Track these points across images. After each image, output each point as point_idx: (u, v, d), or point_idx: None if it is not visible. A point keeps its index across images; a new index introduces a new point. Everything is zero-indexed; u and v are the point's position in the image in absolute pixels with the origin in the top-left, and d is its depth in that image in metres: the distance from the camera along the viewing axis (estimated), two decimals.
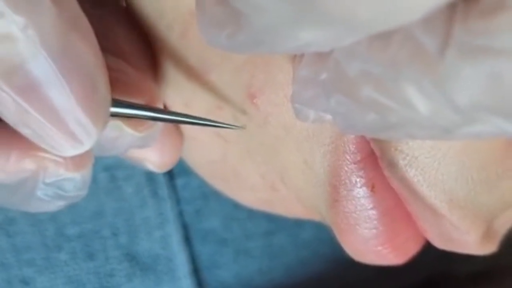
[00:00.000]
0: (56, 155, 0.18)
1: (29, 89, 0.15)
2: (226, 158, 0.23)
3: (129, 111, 0.18)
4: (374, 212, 0.20)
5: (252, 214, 0.31)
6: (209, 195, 0.30)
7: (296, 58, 0.18)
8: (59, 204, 0.19)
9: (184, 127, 0.23)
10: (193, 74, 0.21)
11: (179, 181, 0.30)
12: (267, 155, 0.22)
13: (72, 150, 0.17)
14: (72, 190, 0.19)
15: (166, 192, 0.30)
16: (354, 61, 0.14)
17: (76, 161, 0.18)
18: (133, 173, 0.29)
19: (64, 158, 0.18)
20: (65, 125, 0.16)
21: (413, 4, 0.11)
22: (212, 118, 0.22)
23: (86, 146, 0.17)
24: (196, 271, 0.32)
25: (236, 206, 0.31)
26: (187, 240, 0.31)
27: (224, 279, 0.32)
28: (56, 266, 0.30)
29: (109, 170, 0.29)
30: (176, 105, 0.23)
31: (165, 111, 0.20)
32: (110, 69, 0.17)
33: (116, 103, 0.18)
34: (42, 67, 0.15)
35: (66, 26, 0.15)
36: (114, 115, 0.18)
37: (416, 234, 0.21)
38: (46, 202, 0.19)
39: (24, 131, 0.16)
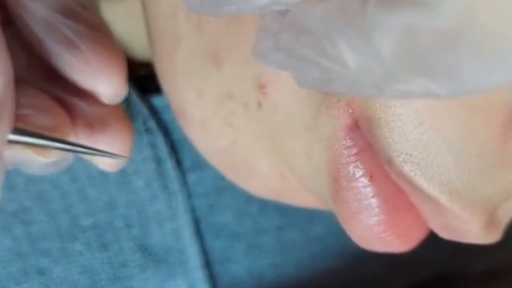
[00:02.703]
0: None
1: None
2: (235, 146, 0.23)
3: (31, 140, 0.20)
4: (374, 200, 0.20)
5: (264, 208, 0.32)
6: (222, 189, 0.31)
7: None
8: None
9: (194, 113, 0.24)
10: (206, 63, 0.22)
11: (192, 176, 0.30)
12: (275, 144, 0.22)
13: None
14: None
15: (176, 186, 0.30)
16: (301, 18, 0.14)
17: None
18: (143, 168, 0.29)
19: None
20: None
21: None
22: (224, 106, 0.22)
23: None
24: (208, 264, 0.32)
25: (248, 200, 0.31)
26: (199, 233, 0.31)
27: (236, 273, 0.32)
28: (71, 256, 0.30)
29: None
30: (188, 93, 0.23)
31: (69, 142, 0.22)
32: (27, 104, 0.20)
33: (21, 132, 0.20)
34: None
35: None
36: (17, 142, 0.20)
37: (419, 221, 0.21)
38: None
39: None
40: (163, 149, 0.29)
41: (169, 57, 0.23)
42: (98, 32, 0.22)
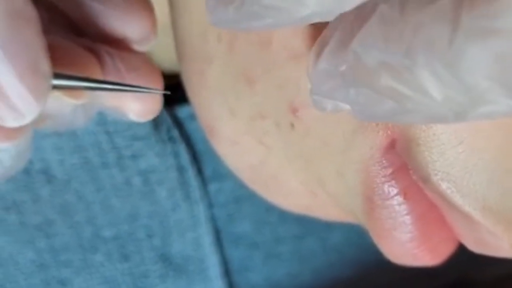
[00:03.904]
0: None
1: None
2: (266, 163, 0.24)
3: (70, 83, 0.20)
4: (408, 217, 0.21)
5: (283, 218, 0.32)
6: (242, 199, 0.31)
7: (311, 56, 0.19)
8: (2, 173, 0.21)
9: (225, 130, 0.24)
10: (238, 83, 0.22)
11: (213, 186, 0.31)
12: (306, 164, 0.23)
13: (15, 121, 0.18)
14: (9, 160, 0.20)
15: (198, 195, 0.30)
16: (371, 52, 0.15)
17: (6, 132, 0.19)
18: (166, 177, 0.30)
19: None
20: (8, 98, 0.17)
21: None
22: (256, 125, 0.22)
23: (29, 117, 0.18)
24: (227, 273, 0.32)
25: (267, 210, 0.31)
26: (219, 243, 0.32)
27: (254, 281, 0.33)
28: (92, 267, 0.30)
29: (143, 174, 0.29)
30: (219, 111, 0.23)
31: (102, 80, 0.21)
32: (54, 46, 0.19)
33: (57, 75, 0.19)
34: None
35: (12, 13, 0.17)
36: (56, 87, 0.19)
37: (450, 235, 0.22)
38: None
39: None
40: (186, 158, 0.30)
41: (200, 75, 0.24)
42: None
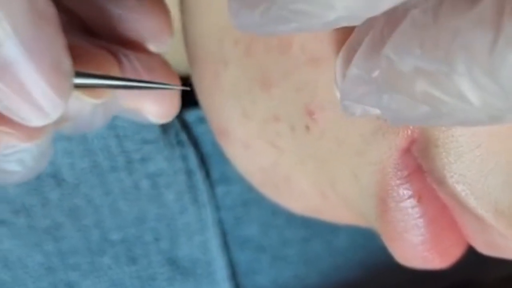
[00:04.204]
0: (7, 127, 0.19)
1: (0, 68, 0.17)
2: (277, 165, 0.24)
3: (90, 81, 0.20)
4: (421, 220, 0.21)
5: (290, 221, 0.32)
6: (249, 202, 0.31)
7: (338, 61, 0.19)
8: (22, 175, 0.21)
9: (237, 132, 0.24)
10: (253, 86, 0.22)
11: (220, 189, 0.31)
12: (319, 165, 0.23)
13: (39, 121, 0.18)
14: (31, 161, 0.20)
15: (206, 198, 0.30)
16: (407, 59, 0.15)
17: (29, 132, 0.19)
18: (174, 181, 0.30)
19: (17, 129, 0.19)
20: (32, 97, 0.18)
21: None
22: (269, 128, 0.22)
23: (53, 116, 0.18)
24: (234, 276, 0.32)
25: (274, 213, 0.32)
26: (226, 246, 0.32)
27: (261, 284, 0.33)
28: (100, 270, 0.31)
29: (151, 178, 0.29)
30: (233, 113, 0.24)
31: (122, 78, 0.21)
32: (72, 46, 0.19)
33: (78, 74, 0.19)
34: (12, 50, 0.17)
35: (35, 13, 0.17)
36: (77, 86, 0.19)
37: (460, 239, 0.22)
38: (10, 173, 0.20)
39: None
40: (194, 161, 0.30)
41: (214, 78, 0.24)
42: None
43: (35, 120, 0.18)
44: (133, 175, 0.29)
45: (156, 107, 0.22)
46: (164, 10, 0.22)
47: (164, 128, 0.29)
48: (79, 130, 0.21)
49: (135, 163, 0.29)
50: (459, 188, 0.20)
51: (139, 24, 0.21)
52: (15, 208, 0.28)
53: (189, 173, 0.30)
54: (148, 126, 0.27)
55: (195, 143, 0.30)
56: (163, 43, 0.22)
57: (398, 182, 0.21)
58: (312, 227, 0.32)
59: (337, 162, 0.22)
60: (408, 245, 0.22)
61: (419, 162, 0.21)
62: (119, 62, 0.21)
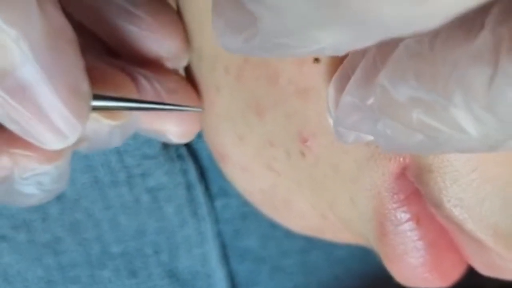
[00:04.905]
0: (28, 150, 0.19)
1: (18, 90, 0.17)
2: (276, 188, 0.24)
3: (108, 104, 0.20)
4: (420, 242, 0.21)
5: (289, 232, 0.32)
6: (248, 215, 0.31)
7: (330, 90, 0.19)
8: (41, 198, 0.21)
9: (234, 156, 0.24)
10: (247, 111, 0.22)
11: (219, 202, 0.31)
12: (317, 189, 0.23)
13: (58, 144, 0.18)
14: (50, 183, 0.20)
15: (205, 211, 0.30)
16: (402, 88, 0.15)
17: (48, 154, 0.19)
18: (174, 194, 0.30)
19: (36, 152, 0.19)
20: (51, 121, 0.18)
21: (436, 9, 0.12)
22: (265, 152, 0.23)
23: (72, 139, 0.18)
24: (234, 287, 0.32)
25: (273, 225, 0.32)
26: (225, 258, 0.32)
27: None
28: (100, 283, 0.31)
29: (151, 192, 0.29)
30: (228, 138, 0.24)
31: (139, 100, 0.21)
32: (90, 68, 0.19)
33: (96, 96, 0.19)
34: (31, 72, 0.17)
35: (53, 35, 0.17)
36: (95, 108, 0.19)
37: (460, 259, 0.22)
38: (28, 196, 0.20)
39: (11, 127, 0.18)
40: (194, 175, 0.30)
41: (209, 103, 0.24)
42: None
43: (53, 143, 0.18)
44: (134, 190, 0.29)
45: (177, 128, 0.22)
46: (179, 28, 0.22)
47: (165, 143, 0.29)
48: (96, 149, 0.21)
49: (136, 178, 0.29)
50: (456, 212, 0.20)
51: (156, 42, 0.21)
52: (15, 224, 0.28)
53: (189, 187, 0.30)
54: (149, 141, 0.27)
55: (195, 157, 0.30)
56: (181, 61, 0.22)
57: (395, 205, 0.21)
58: (311, 238, 0.32)
59: (334, 187, 0.22)
60: (408, 267, 0.22)
61: (417, 187, 0.21)
62: (139, 83, 0.21)
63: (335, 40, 0.14)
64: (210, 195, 0.31)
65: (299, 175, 0.23)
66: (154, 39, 0.21)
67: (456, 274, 0.23)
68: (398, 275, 0.23)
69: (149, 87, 0.21)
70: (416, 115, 0.15)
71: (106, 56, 0.22)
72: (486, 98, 0.13)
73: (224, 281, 0.32)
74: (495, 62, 0.13)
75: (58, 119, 0.17)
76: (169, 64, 0.22)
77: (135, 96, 0.21)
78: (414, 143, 0.15)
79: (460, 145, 0.15)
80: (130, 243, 0.30)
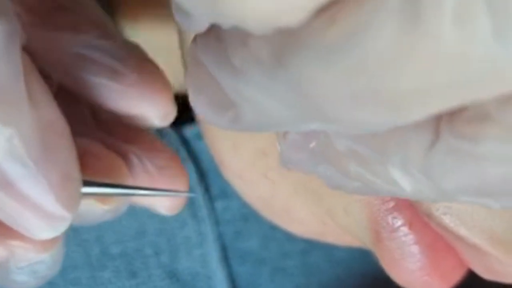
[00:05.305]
0: (25, 241, 0.19)
1: (6, 184, 0.17)
2: (275, 196, 0.24)
3: (100, 190, 0.20)
4: (416, 247, 0.21)
5: (290, 234, 0.32)
6: (248, 216, 0.31)
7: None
8: (33, 284, 0.21)
9: (230, 164, 0.24)
10: None
11: (220, 204, 0.31)
12: (313, 198, 0.23)
13: (47, 234, 0.18)
14: (44, 271, 0.20)
15: (205, 213, 0.30)
16: (342, 139, 0.15)
17: (45, 243, 0.19)
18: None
19: (33, 242, 0.19)
20: (40, 212, 0.17)
21: (408, 116, 0.12)
22: (259, 161, 0.23)
23: (60, 229, 0.18)
24: None
25: (274, 227, 0.32)
26: (226, 259, 0.32)
27: None
28: (100, 284, 0.31)
29: None
30: (224, 145, 0.24)
31: (130, 186, 0.21)
32: (82, 152, 0.19)
33: (87, 183, 0.19)
34: (21, 168, 0.16)
35: (45, 128, 0.17)
36: (86, 194, 0.19)
37: (460, 262, 0.22)
38: (20, 284, 0.20)
39: (1, 215, 0.18)
40: (193, 177, 0.30)
41: None
42: (134, 52, 0.22)
43: (42, 233, 0.18)
44: None
45: (167, 203, 0.23)
46: (166, 86, 0.22)
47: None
48: (89, 224, 0.21)
49: None
50: (447, 220, 0.20)
51: (140, 98, 0.21)
52: None
53: (188, 188, 0.30)
54: None
55: (194, 159, 0.30)
56: (168, 119, 0.22)
57: (385, 213, 0.21)
58: (312, 239, 0.32)
59: (328, 197, 0.22)
60: (406, 272, 0.22)
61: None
62: (129, 162, 0.21)
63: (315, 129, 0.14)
64: (210, 197, 0.31)
65: (295, 184, 0.23)
66: (141, 96, 0.21)
67: (457, 276, 0.23)
68: (397, 279, 0.23)
69: (140, 166, 0.22)
70: (352, 166, 0.15)
71: (96, 129, 0.22)
72: (423, 164, 0.13)
73: (225, 283, 0.32)
74: (435, 131, 0.13)
75: (48, 209, 0.17)
76: (157, 121, 0.22)
77: (127, 178, 0.21)
78: (352, 188, 0.16)
79: (397, 194, 0.15)
80: (130, 244, 0.30)
